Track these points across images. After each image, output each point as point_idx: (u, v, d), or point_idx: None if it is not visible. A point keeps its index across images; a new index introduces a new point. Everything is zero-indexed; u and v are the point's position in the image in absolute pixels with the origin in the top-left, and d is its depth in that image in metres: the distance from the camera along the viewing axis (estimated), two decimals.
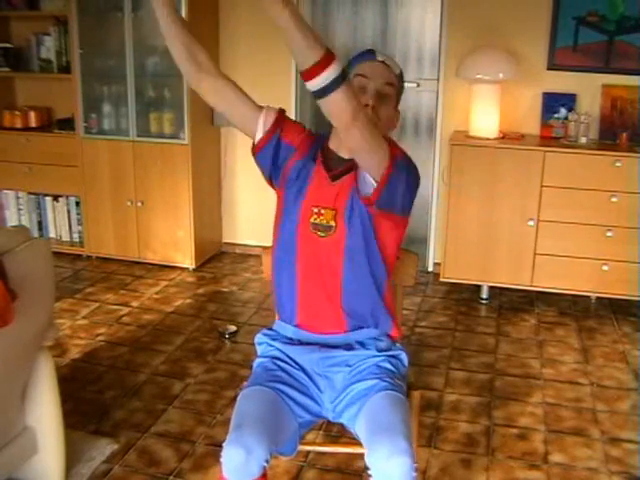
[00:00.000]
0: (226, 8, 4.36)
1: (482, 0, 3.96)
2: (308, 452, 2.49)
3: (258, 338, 2.00)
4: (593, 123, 3.83)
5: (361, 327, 1.91)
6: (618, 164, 3.53)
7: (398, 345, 1.98)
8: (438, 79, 4.16)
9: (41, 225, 4.70)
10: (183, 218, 4.30)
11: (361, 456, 1.65)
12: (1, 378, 1.98)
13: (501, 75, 3.73)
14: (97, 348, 3.33)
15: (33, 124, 4.55)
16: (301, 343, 1.92)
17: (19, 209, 4.71)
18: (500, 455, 2.54)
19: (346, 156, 1.85)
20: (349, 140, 1.64)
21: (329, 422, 2.02)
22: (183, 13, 3.95)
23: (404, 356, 1.95)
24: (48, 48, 4.43)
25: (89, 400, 2.86)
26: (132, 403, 2.85)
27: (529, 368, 3.21)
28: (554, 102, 3.90)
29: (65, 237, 4.67)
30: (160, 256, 4.41)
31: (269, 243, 1.98)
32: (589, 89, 3.89)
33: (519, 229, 3.74)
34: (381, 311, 1.91)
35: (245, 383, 1.87)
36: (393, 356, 1.91)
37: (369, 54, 1.89)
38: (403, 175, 1.74)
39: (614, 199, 3.56)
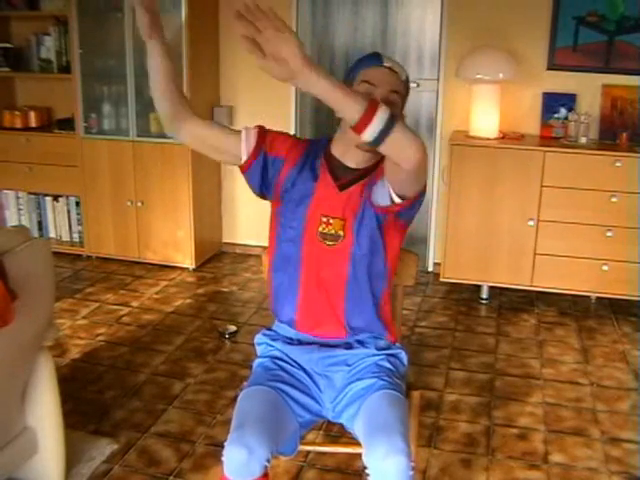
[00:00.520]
0: (226, 8, 4.35)
1: (482, 0, 3.96)
2: (308, 452, 2.49)
3: (258, 338, 2.00)
4: (593, 123, 3.83)
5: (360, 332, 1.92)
6: (618, 164, 3.53)
7: (397, 344, 1.98)
8: (438, 79, 4.16)
9: (41, 225, 4.70)
10: (183, 218, 4.30)
11: (361, 456, 1.65)
12: (1, 378, 1.97)
13: (501, 75, 3.72)
14: (97, 348, 3.33)
15: (33, 124, 4.54)
16: (301, 343, 1.92)
17: (19, 209, 4.71)
18: (500, 455, 2.54)
19: (352, 165, 1.85)
20: (408, 165, 1.60)
21: (329, 422, 2.02)
22: (183, 14, 3.96)
23: (403, 355, 1.96)
24: (48, 48, 4.43)
25: (89, 400, 2.86)
26: (132, 403, 2.85)
27: (529, 368, 3.21)
28: (554, 102, 3.89)
29: (65, 237, 4.66)
30: (160, 256, 4.41)
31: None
32: (589, 89, 3.89)
33: (519, 229, 3.74)
34: (376, 324, 1.91)
35: (245, 383, 1.87)
36: (392, 355, 1.91)
37: (375, 59, 1.84)
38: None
39: (614, 199, 3.56)
